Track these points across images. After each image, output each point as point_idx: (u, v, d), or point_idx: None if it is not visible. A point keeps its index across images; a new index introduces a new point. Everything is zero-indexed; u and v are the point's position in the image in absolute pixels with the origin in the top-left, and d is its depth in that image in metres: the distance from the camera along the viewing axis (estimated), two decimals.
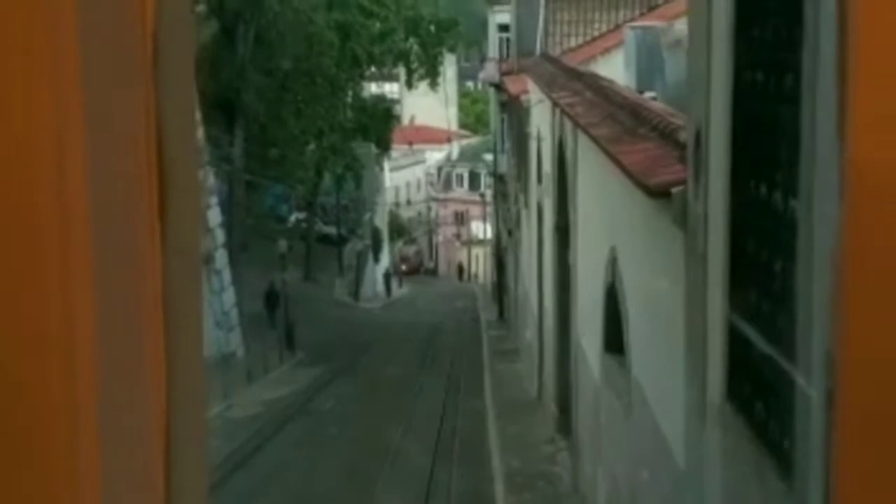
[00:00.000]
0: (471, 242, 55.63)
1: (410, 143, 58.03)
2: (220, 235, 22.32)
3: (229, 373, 19.26)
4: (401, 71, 39.03)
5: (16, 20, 0.65)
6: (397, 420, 16.75)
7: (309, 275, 37.01)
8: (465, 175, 60.95)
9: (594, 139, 8.05)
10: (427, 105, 58.08)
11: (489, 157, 36.87)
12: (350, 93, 35.04)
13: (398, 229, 57.20)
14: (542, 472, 12.71)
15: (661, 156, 6.03)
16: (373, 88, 44.20)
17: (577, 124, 9.86)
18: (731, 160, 4.24)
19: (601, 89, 9.99)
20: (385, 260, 46.03)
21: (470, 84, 73.81)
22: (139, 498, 0.81)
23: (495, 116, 34.07)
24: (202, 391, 0.94)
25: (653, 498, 6.83)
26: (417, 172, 63.82)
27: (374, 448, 14.98)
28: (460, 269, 55.70)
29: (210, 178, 22.00)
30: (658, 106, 7.81)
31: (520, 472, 12.82)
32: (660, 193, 5.37)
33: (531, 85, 18.00)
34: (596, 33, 19.85)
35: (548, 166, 14.44)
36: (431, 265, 60.13)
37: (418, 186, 64.14)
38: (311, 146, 32.66)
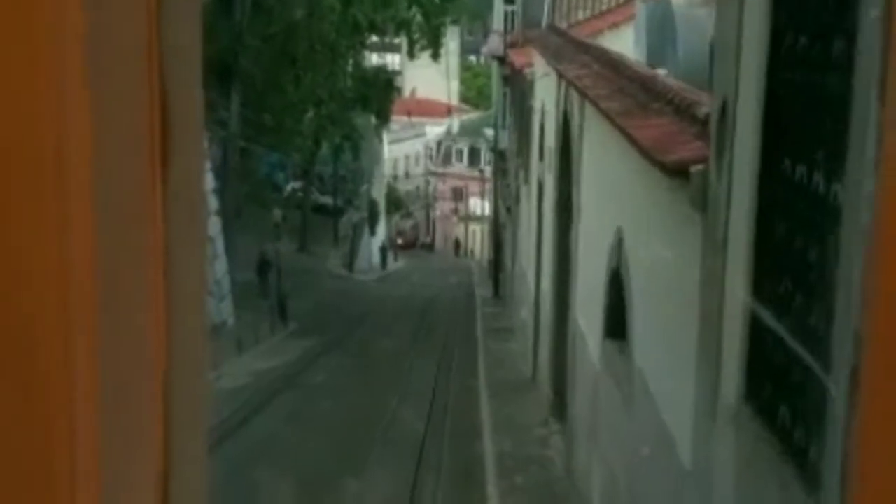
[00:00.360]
0: (468, 218, 55.28)
1: (409, 114, 57.31)
2: (213, 202, 21.88)
3: (219, 342, 19.01)
4: (402, 42, 38.54)
5: None
6: (389, 395, 16.51)
7: (303, 245, 36.68)
8: (465, 150, 60.39)
9: (604, 112, 7.61)
10: (428, 77, 57.56)
11: (490, 132, 36.31)
12: (351, 62, 34.58)
13: (395, 202, 56.83)
14: (534, 456, 12.41)
15: (677, 131, 5.62)
16: (374, 59, 43.81)
17: (585, 97, 9.42)
18: (762, 136, 3.82)
19: (611, 62, 9.55)
20: (381, 233, 45.63)
21: (472, 58, 73.26)
22: (135, 454, 0.82)
23: (497, 91, 33.51)
24: (203, 347, 0.95)
25: (652, 493, 6.49)
26: (417, 146, 63.29)
27: (366, 422, 14.74)
28: (457, 245, 55.48)
29: (204, 143, 21.54)
30: (671, 82, 7.37)
31: (511, 454, 12.52)
32: (676, 172, 4.96)
33: (536, 58, 17.52)
34: (604, 7, 19.32)
35: (551, 141, 13.99)
36: (428, 240, 59.89)
37: (417, 160, 63.65)
38: (310, 114, 32.20)
